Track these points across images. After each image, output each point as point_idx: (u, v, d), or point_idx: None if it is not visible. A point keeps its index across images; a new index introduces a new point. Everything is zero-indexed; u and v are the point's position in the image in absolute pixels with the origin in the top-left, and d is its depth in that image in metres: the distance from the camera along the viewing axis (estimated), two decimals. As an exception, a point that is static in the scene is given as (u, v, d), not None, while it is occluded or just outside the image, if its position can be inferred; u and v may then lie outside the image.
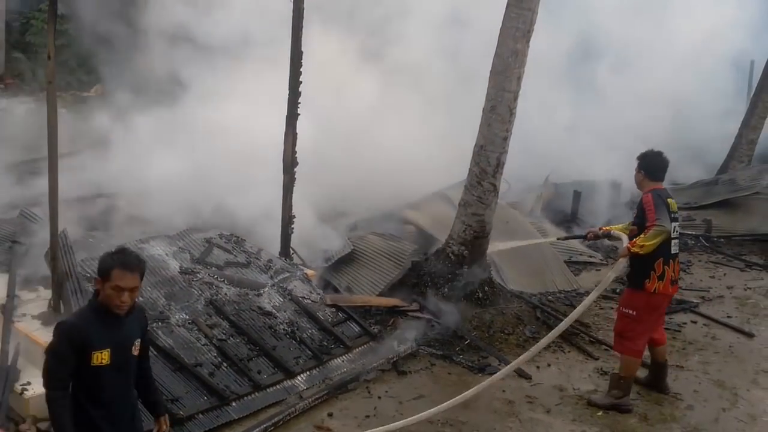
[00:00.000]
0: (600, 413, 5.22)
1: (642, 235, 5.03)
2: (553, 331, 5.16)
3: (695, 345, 6.48)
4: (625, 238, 5.20)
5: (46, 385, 3.11)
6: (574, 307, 7.11)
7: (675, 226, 5.20)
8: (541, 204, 9.48)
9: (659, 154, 5.35)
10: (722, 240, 9.66)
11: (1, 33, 12.57)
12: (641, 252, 4.97)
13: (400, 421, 4.60)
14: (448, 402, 4.67)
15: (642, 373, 5.60)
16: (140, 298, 5.29)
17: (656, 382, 5.56)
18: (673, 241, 5.18)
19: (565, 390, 5.51)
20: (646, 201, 5.12)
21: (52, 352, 3.09)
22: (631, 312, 5.20)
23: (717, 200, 10.58)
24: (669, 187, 9.83)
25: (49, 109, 4.70)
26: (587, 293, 7.64)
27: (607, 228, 5.69)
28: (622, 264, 5.16)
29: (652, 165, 5.30)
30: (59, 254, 5.01)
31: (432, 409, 4.64)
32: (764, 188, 10.37)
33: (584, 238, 6.01)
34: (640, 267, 5.14)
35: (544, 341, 4.99)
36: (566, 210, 9.70)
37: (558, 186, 10.07)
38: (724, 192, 10.77)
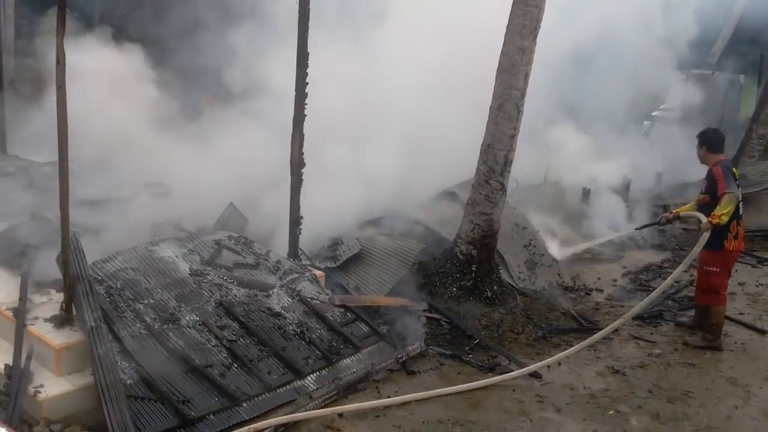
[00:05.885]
0: (611, 412, 5.20)
1: (717, 207, 5.82)
2: (641, 303, 6.12)
3: (707, 342, 6.45)
4: (699, 215, 6.00)
5: None
6: (583, 305, 7.18)
7: (740, 192, 6.06)
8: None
9: (716, 129, 6.40)
10: (733, 236, 9.57)
11: (10, 39, 12.66)
12: (722, 222, 5.80)
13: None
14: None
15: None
16: (151, 300, 5.36)
17: (702, 322, 6.45)
18: (740, 204, 6.01)
19: (575, 389, 5.49)
20: (716, 172, 5.95)
21: None
22: (714, 269, 6.13)
23: (728, 196, 10.49)
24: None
25: (59, 114, 4.73)
26: (597, 290, 7.68)
27: (676, 211, 6.49)
28: (706, 236, 5.89)
29: (711, 139, 6.17)
30: (71, 257, 5.05)
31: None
32: (775, 183, 10.30)
33: (658, 224, 6.79)
34: (720, 230, 5.91)
35: (628, 315, 5.98)
36: (571, 208, 9.60)
37: (562, 183, 9.97)
38: (735, 188, 10.67)
